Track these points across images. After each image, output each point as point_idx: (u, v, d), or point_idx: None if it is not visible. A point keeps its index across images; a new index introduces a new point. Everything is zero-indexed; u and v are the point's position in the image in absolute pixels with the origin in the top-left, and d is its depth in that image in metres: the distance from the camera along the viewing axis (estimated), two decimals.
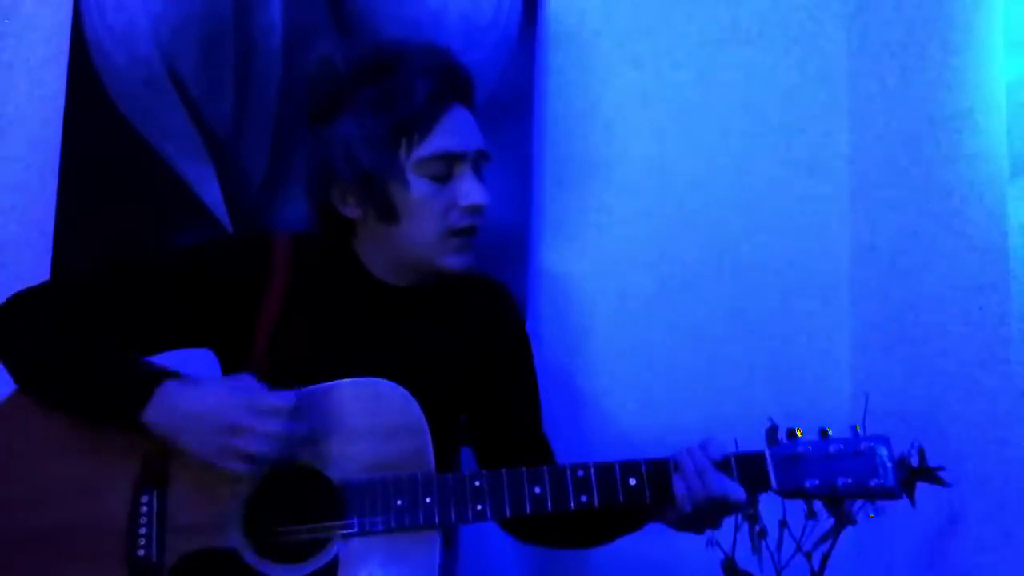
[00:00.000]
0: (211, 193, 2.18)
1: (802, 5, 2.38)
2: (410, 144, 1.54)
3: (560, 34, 2.30)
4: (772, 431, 1.54)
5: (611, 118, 2.32)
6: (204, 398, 1.45)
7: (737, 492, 1.47)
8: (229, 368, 1.60)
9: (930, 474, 1.79)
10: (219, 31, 2.19)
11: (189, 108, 2.18)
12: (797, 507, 1.90)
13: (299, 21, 2.22)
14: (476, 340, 1.67)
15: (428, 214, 1.55)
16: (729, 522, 1.87)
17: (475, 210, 1.57)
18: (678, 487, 1.48)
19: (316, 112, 1.59)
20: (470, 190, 1.56)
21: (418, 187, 1.54)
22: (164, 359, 1.57)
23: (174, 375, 1.49)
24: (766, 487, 1.50)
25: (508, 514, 1.47)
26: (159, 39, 2.18)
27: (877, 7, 2.30)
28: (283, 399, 1.44)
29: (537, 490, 1.46)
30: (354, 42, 1.66)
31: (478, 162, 1.60)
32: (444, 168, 1.56)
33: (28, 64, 2.21)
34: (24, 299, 1.55)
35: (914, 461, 1.79)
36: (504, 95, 2.22)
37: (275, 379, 1.50)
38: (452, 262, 1.58)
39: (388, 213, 1.56)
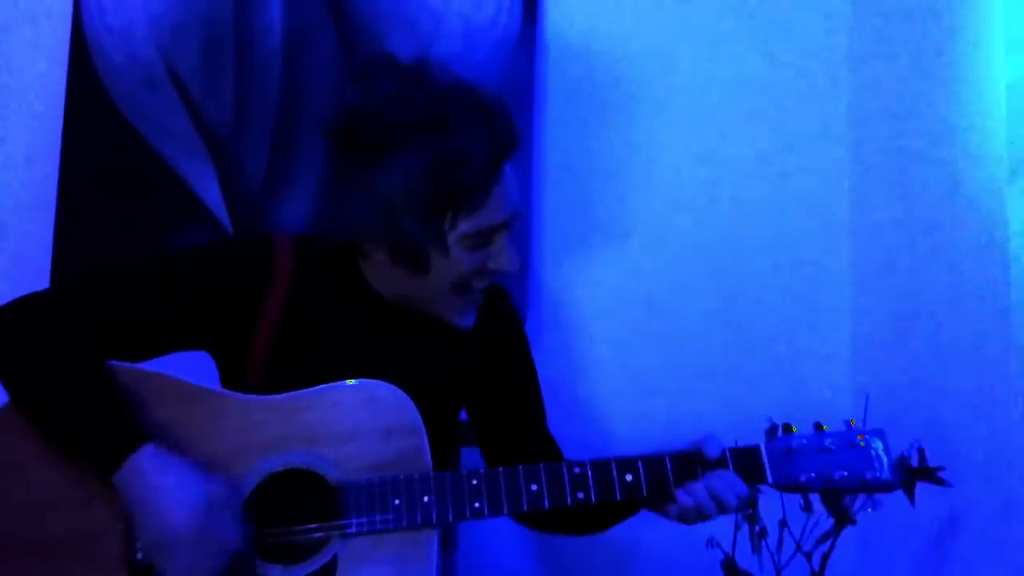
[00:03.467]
0: (211, 193, 2.18)
1: (803, 8, 2.39)
2: (456, 216, 1.45)
3: (560, 35, 2.30)
4: (771, 431, 1.54)
5: (612, 119, 2.32)
6: (167, 489, 1.40)
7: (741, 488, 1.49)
8: (227, 372, 1.59)
9: (930, 474, 1.79)
10: (219, 31, 2.19)
11: (189, 108, 2.18)
12: (797, 507, 1.91)
13: (299, 21, 2.22)
14: (476, 341, 1.67)
15: (457, 274, 1.51)
16: (729, 522, 1.88)
17: (502, 274, 1.54)
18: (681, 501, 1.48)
19: (356, 151, 1.48)
20: (505, 256, 1.52)
21: (456, 253, 1.48)
22: (164, 361, 1.57)
23: (150, 441, 1.42)
24: (762, 480, 1.50)
25: (506, 512, 1.46)
26: (159, 39, 2.18)
27: (877, 8, 2.30)
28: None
29: (534, 488, 1.46)
30: (406, 82, 1.49)
31: (513, 224, 1.54)
32: (487, 238, 1.50)
33: (28, 64, 2.21)
34: (21, 310, 1.51)
35: (914, 461, 1.79)
36: (504, 96, 2.21)
37: (273, 384, 1.50)
38: (461, 321, 1.57)
39: (417, 268, 1.50)
